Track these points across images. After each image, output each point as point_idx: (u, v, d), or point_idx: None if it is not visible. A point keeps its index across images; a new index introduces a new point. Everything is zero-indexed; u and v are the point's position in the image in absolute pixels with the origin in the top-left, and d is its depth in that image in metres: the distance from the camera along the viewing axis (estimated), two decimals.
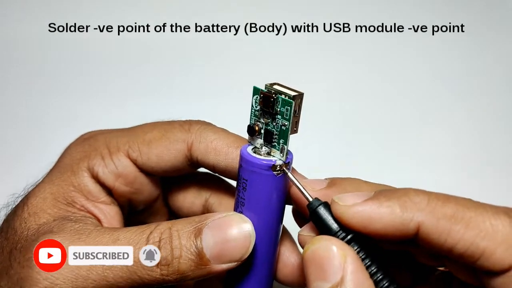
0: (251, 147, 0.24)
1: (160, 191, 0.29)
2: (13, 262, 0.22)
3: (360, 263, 0.19)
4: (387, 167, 0.44)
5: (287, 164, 0.22)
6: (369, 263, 0.20)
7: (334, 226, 0.21)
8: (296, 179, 0.22)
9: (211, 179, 0.30)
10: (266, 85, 0.23)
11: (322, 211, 0.21)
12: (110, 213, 0.27)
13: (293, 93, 0.21)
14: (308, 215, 0.21)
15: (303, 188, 0.22)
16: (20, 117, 0.46)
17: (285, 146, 0.22)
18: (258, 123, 0.23)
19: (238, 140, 0.26)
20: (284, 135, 0.22)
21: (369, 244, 0.21)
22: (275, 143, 0.23)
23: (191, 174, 0.30)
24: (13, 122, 0.46)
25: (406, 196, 0.19)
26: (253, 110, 0.23)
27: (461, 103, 0.48)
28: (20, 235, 0.23)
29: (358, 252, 0.20)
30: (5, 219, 0.25)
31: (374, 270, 0.20)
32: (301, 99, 0.22)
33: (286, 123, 0.22)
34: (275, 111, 0.22)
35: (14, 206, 0.25)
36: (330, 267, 0.19)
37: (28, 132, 0.45)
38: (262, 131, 0.23)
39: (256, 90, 0.23)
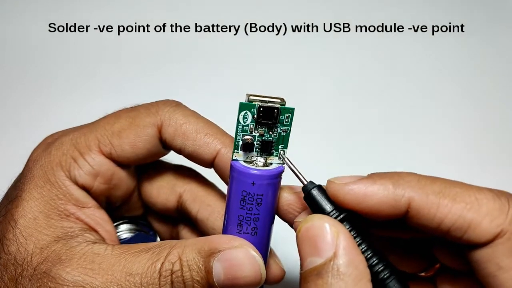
0: (241, 161, 0.23)
1: (136, 184, 0.29)
2: None
3: (352, 240, 0.20)
4: (387, 168, 0.44)
5: (283, 170, 0.23)
6: (360, 241, 0.21)
7: (328, 206, 0.21)
8: (292, 163, 0.23)
9: (185, 174, 0.29)
10: (247, 95, 0.23)
11: (316, 192, 0.22)
12: (103, 218, 0.26)
13: (282, 102, 0.23)
14: (303, 197, 0.22)
15: (299, 172, 0.22)
16: (20, 117, 0.46)
17: (285, 150, 0.23)
18: (250, 137, 0.23)
19: (207, 125, 0.26)
20: (285, 140, 0.23)
21: (361, 226, 0.21)
22: (273, 151, 0.23)
23: (163, 168, 0.30)
24: (12, 121, 0.46)
25: (398, 176, 0.21)
26: (240, 126, 0.23)
27: (461, 103, 0.48)
28: (22, 262, 0.22)
29: (350, 231, 0.21)
30: None
31: (365, 248, 0.21)
32: (292, 112, 0.23)
33: (287, 129, 0.23)
34: (268, 119, 0.22)
35: None
36: (323, 243, 0.19)
37: (27, 131, 0.45)
38: (255, 143, 0.23)
39: (245, 106, 0.23)
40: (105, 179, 0.26)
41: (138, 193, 0.29)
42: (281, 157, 0.23)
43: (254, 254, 0.22)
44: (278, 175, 0.23)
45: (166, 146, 0.27)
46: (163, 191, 0.29)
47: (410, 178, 0.21)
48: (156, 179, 0.29)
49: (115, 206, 0.29)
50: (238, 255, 0.22)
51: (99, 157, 0.26)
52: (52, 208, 0.24)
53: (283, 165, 0.23)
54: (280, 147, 0.23)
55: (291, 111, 0.23)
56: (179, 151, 0.26)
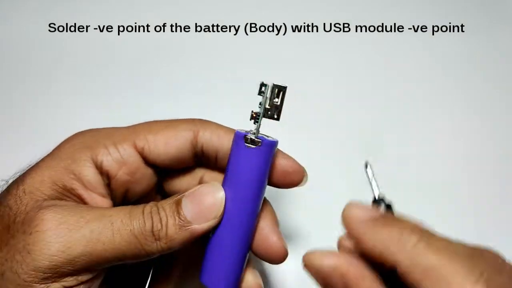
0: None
1: (154, 185, 0.30)
2: (15, 233, 0.23)
3: None
4: (386, 171, 0.44)
5: (260, 140, 0.25)
6: None
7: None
8: (373, 176, 0.25)
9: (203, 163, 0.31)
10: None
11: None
12: (103, 206, 0.27)
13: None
14: (384, 206, 0.24)
15: (376, 184, 0.25)
16: (19, 116, 0.46)
17: (258, 122, 0.26)
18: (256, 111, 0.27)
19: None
20: (258, 116, 0.26)
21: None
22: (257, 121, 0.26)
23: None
24: (11, 121, 0.46)
25: (403, 227, 0.20)
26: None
27: (461, 103, 0.48)
28: (16, 210, 0.24)
29: None
30: None
31: None
32: (283, 91, 0.26)
33: (262, 102, 0.26)
34: (260, 94, 0.26)
35: (6, 187, 0.26)
36: None
37: (28, 132, 0.45)
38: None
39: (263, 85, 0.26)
40: (130, 170, 0.27)
41: (155, 192, 0.31)
42: (367, 168, 0.25)
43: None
44: (241, 137, 0.26)
45: (201, 154, 0.28)
46: (185, 178, 0.30)
47: (409, 238, 0.20)
48: (162, 133, 0.29)
49: (130, 202, 0.29)
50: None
51: (130, 149, 0.27)
52: (61, 179, 0.25)
53: (252, 135, 0.26)
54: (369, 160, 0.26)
55: (266, 86, 0.26)
56: (215, 156, 0.28)
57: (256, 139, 0.25)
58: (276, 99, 0.26)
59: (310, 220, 0.41)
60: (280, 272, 0.39)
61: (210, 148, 0.28)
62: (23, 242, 0.23)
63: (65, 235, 0.23)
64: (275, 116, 0.26)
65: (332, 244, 0.23)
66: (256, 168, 0.26)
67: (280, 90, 0.26)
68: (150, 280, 0.32)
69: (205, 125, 0.28)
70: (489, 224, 0.42)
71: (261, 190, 0.27)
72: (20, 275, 0.22)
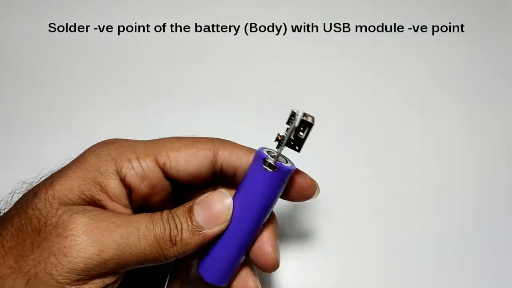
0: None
1: (170, 195, 0.31)
2: (48, 236, 0.24)
3: None
4: (386, 171, 0.45)
5: (278, 167, 0.26)
6: None
7: None
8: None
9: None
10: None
11: None
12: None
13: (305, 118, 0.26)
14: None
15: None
16: (19, 116, 0.46)
17: (280, 148, 0.27)
18: (281, 134, 0.27)
19: (253, 149, 0.30)
20: (282, 141, 0.27)
21: None
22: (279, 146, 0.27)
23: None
24: (12, 121, 0.46)
25: None
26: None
27: (461, 103, 0.48)
28: (47, 213, 0.25)
29: None
30: (19, 201, 0.27)
31: None
32: (309, 126, 0.27)
33: (288, 130, 0.27)
34: (288, 122, 0.27)
35: (32, 190, 0.27)
36: None
37: (26, 132, 0.45)
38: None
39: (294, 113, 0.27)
40: (151, 184, 0.29)
41: (169, 202, 0.32)
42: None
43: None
44: (261, 158, 0.26)
45: (219, 172, 0.30)
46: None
47: None
48: (183, 151, 0.30)
49: (145, 208, 0.31)
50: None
51: (152, 164, 0.28)
52: (89, 190, 0.27)
53: (271, 159, 0.26)
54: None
55: (294, 114, 0.26)
56: (233, 174, 0.30)
57: (273, 164, 0.26)
58: (301, 133, 0.27)
59: (328, 227, 0.41)
60: (282, 272, 0.39)
61: (230, 167, 0.30)
62: (58, 245, 0.24)
63: (98, 239, 0.24)
64: (297, 148, 0.27)
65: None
66: (268, 190, 0.27)
67: (306, 125, 0.27)
68: (157, 281, 0.32)
69: (224, 144, 0.30)
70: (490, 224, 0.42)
71: (269, 207, 0.28)
72: (54, 276, 0.23)
